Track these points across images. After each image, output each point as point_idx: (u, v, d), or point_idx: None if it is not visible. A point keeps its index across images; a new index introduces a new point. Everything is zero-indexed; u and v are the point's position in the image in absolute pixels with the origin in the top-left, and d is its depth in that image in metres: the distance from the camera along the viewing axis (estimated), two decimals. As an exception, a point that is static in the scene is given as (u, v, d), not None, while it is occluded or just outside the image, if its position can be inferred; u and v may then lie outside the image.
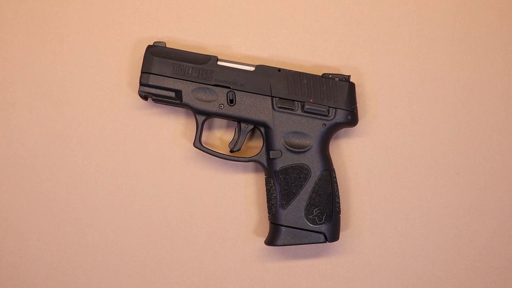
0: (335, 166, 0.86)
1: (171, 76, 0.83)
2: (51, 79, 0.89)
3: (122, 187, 0.88)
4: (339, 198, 0.84)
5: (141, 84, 0.83)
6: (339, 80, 0.85)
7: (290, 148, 0.84)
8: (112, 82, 0.89)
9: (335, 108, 0.84)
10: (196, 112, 0.84)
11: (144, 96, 0.85)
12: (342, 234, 0.87)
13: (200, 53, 0.86)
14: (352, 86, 0.86)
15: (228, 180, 0.89)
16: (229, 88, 0.84)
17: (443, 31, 0.92)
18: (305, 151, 0.84)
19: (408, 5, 0.92)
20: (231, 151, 0.86)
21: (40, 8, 0.90)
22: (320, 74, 0.86)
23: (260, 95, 0.84)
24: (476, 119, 0.90)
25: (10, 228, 0.87)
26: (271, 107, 0.84)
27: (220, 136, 0.89)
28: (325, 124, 0.84)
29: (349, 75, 0.86)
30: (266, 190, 0.85)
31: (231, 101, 0.84)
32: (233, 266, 0.88)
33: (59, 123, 0.88)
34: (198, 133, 0.85)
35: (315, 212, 0.83)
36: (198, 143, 0.85)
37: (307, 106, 0.84)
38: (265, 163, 0.85)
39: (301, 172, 0.83)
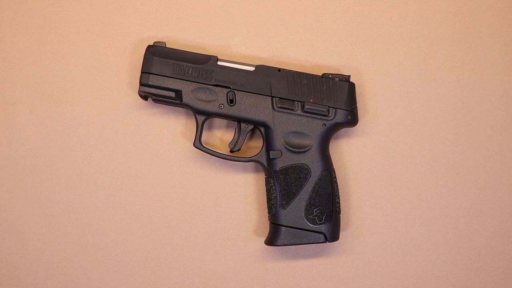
0: (335, 166, 0.86)
1: (171, 76, 0.83)
2: (51, 79, 0.89)
3: (122, 187, 0.88)
4: (339, 198, 0.84)
5: (141, 84, 0.83)
6: (339, 80, 0.85)
7: (290, 148, 0.84)
8: (112, 82, 0.89)
9: (335, 108, 0.84)
10: (196, 112, 0.84)
11: (144, 96, 0.84)
12: (342, 234, 0.87)
13: (200, 53, 0.86)
14: (352, 86, 0.86)
15: (228, 180, 0.89)
16: (229, 88, 0.84)
17: (443, 31, 0.92)
18: (305, 151, 0.84)
19: (408, 5, 0.92)
20: (231, 151, 0.86)
21: (40, 8, 0.90)
22: (320, 74, 0.86)
23: (260, 95, 0.84)
24: (476, 119, 0.90)
25: (10, 228, 0.87)
26: (271, 107, 0.84)
27: (220, 136, 0.89)
28: (325, 124, 0.84)
29: (349, 75, 0.86)
30: (266, 190, 0.85)
31: (231, 101, 0.84)
32: (233, 266, 0.88)
33: (59, 123, 0.88)
34: (198, 133, 0.85)
35: (315, 212, 0.83)
36: (198, 143, 0.85)
37: (307, 106, 0.84)
38: (265, 163, 0.85)
39: (301, 172, 0.83)
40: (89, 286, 0.87)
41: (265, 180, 0.85)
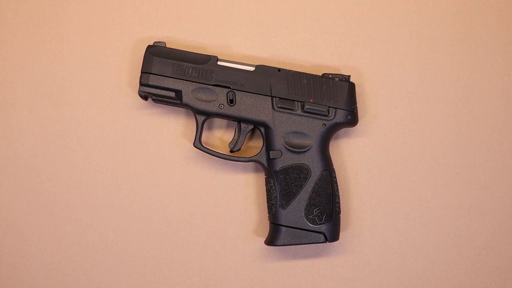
0: (335, 166, 0.86)
1: (171, 76, 0.83)
2: (51, 79, 0.89)
3: (122, 187, 0.88)
4: (339, 198, 0.84)
5: (141, 84, 0.83)
6: (339, 80, 0.85)
7: (290, 148, 0.84)
8: (112, 82, 0.89)
9: (335, 108, 0.84)
10: (196, 112, 0.84)
11: (144, 96, 0.84)
12: (342, 234, 0.87)
13: (200, 53, 0.86)
14: (352, 86, 0.86)
15: (228, 180, 0.89)
16: (229, 88, 0.84)
17: (443, 31, 0.92)
18: (305, 151, 0.84)
19: (408, 5, 0.92)
20: (231, 151, 0.86)
21: (40, 8, 0.90)
22: (320, 74, 0.86)
23: (260, 95, 0.84)
24: (476, 119, 0.90)
25: (10, 228, 0.87)
26: (271, 107, 0.84)
27: (220, 136, 0.89)
28: (325, 124, 0.84)
29: (349, 75, 0.86)
30: (266, 190, 0.85)
31: (231, 101, 0.84)
32: (233, 266, 0.88)
33: (59, 123, 0.88)
34: (198, 133, 0.85)
35: (315, 212, 0.83)
36: (198, 143, 0.85)
37: (307, 106, 0.84)
38: (265, 163, 0.85)
39: (301, 172, 0.83)
40: (89, 286, 0.87)
41: (265, 180, 0.85)
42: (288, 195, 0.83)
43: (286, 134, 0.84)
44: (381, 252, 0.88)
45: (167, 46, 0.86)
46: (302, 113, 0.84)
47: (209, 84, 0.84)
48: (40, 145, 0.88)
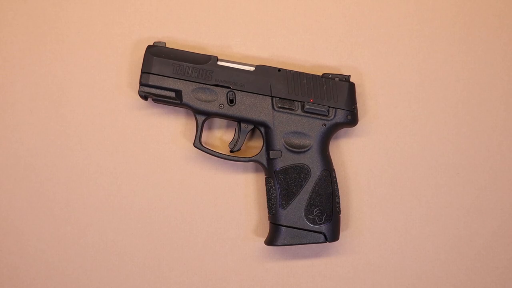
0: (335, 166, 0.86)
1: (171, 76, 0.83)
2: (51, 79, 0.89)
3: (122, 187, 0.88)
4: (339, 198, 0.84)
5: (141, 84, 0.83)
6: (339, 80, 0.85)
7: (290, 148, 0.83)
8: (112, 82, 0.89)
9: (335, 108, 0.84)
10: (196, 112, 0.84)
11: (144, 96, 0.84)
12: (342, 234, 0.87)
13: (200, 53, 0.85)
14: (352, 86, 0.86)
15: (228, 180, 0.89)
16: (229, 88, 0.84)
17: (443, 31, 0.92)
18: (305, 151, 0.84)
19: (408, 5, 0.92)
20: (231, 151, 0.86)
21: (40, 8, 0.90)
22: (320, 74, 0.86)
23: (260, 95, 0.84)
24: (476, 119, 0.90)
25: (10, 228, 0.87)
26: (271, 107, 0.84)
27: (220, 136, 0.89)
28: (325, 124, 0.84)
29: (349, 75, 0.86)
30: (266, 190, 0.84)
31: (231, 101, 0.84)
32: (233, 266, 0.88)
33: (59, 123, 0.88)
34: (198, 133, 0.84)
35: (315, 212, 0.83)
36: (198, 143, 0.85)
37: (307, 106, 0.84)
38: (265, 163, 0.85)
39: (301, 172, 0.83)
40: (89, 286, 0.87)
41: (265, 180, 0.85)
42: (288, 195, 0.83)
43: (286, 134, 0.84)
44: (381, 252, 0.88)
45: (167, 46, 0.86)
46: (302, 113, 0.84)
47: (209, 84, 0.84)
48: (40, 145, 0.88)
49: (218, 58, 0.85)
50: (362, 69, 0.90)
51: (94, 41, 0.90)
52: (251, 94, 0.84)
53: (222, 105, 0.84)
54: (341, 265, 0.88)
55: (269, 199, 0.84)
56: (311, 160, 0.83)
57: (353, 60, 0.91)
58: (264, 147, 0.85)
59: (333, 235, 0.83)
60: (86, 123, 0.89)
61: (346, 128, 0.88)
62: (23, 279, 0.87)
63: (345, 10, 0.91)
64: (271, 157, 0.84)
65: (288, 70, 0.85)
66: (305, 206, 0.83)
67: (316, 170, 0.83)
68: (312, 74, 0.85)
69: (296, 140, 0.84)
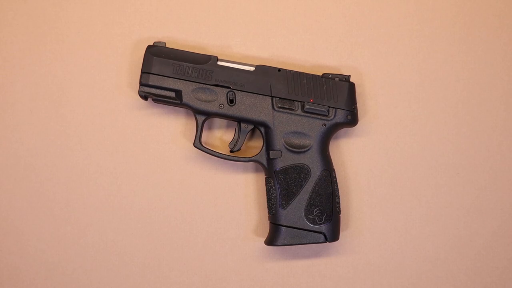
0: (335, 166, 0.86)
1: (171, 76, 0.83)
2: (51, 79, 0.89)
3: (122, 187, 0.88)
4: (339, 198, 0.84)
5: (141, 84, 0.83)
6: (339, 80, 0.85)
7: (290, 148, 0.83)
8: (112, 82, 0.89)
9: (335, 108, 0.84)
10: (196, 112, 0.84)
11: (144, 96, 0.84)
12: (342, 234, 0.87)
13: (200, 53, 0.85)
14: (352, 86, 0.85)
15: (228, 180, 0.89)
16: (229, 88, 0.84)
17: (443, 31, 0.92)
18: (305, 151, 0.83)
19: (408, 5, 0.92)
20: (231, 151, 0.86)
21: (40, 8, 0.90)
22: (320, 74, 0.85)
23: (260, 95, 0.84)
24: (476, 119, 0.90)
25: (10, 228, 0.87)
26: (271, 107, 0.84)
27: (220, 136, 0.89)
28: (325, 124, 0.84)
29: (349, 75, 0.86)
30: (266, 190, 0.84)
31: (231, 101, 0.84)
32: (233, 266, 0.88)
33: (59, 123, 0.88)
34: (198, 133, 0.84)
35: (315, 212, 0.83)
36: (198, 143, 0.85)
37: (307, 106, 0.84)
38: (265, 163, 0.84)
39: (301, 172, 0.83)
40: (89, 286, 0.87)
41: (265, 180, 0.85)
42: (288, 195, 0.83)
43: (286, 134, 0.84)
44: (381, 252, 0.88)
45: (167, 46, 0.86)
46: (302, 113, 0.84)
47: (209, 84, 0.84)
48: (40, 145, 0.88)
49: (218, 58, 0.84)
50: (362, 69, 0.90)
51: (94, 41, 0.90)
52: (251, 94, 0.84)
53: (222, 105, 0.83)
54: (341, 265, 0.88)
55: (269, 199, 0.84)
56: (311, 160, 0.83)
57: (353, 60, 0.91)
58: (264, 147, 0.85)
59: (333, 235, 0.83)
60: (86, 123, 0.89)
61: (346, 128, 0.88)
62: (23, 279, 0.87)
63: (345, 10, 0.91)
64: (271, 157, 0.84)
65: (288, 70, 0.85)
66: (305, 206, 0.83)
67: (316, 170, 0.83)
68: (312, 74, 0.85)
69: (296, 140, 0.84)
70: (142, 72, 0.83)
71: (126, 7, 0.90)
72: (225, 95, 0.84)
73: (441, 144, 0.90)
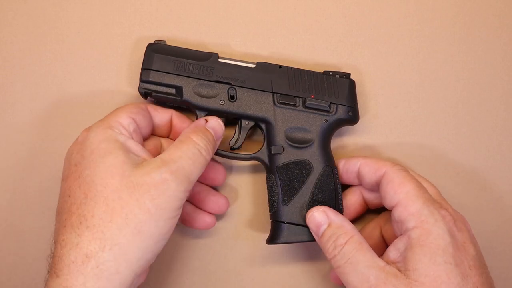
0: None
1: (172, 72, 0.83)
2: (51, 79, 0.89)
3: (122, 187, 0.88)
4: (341, 195, 0.83)
5: (141, 80, 0.83)
6: (340, 77, 0.85)
7: (291, 144, 0.83)
8: (112, 82, 0.89)
9: (337, 104, 0.84)
10: (197, 108, 0.84)
11: (144, 93, 0.84)
12: (342, 234, 0.87)
13: (201, 50, 0.85)
14: (352, 83, 0.86)
15: (228, 180, 0.89)
16: (230, 84, 0.84)
17: (443, 31, 0.92)
18: (306, 147, 0.83)
19: (408, 5, 0.92)
20: (231, 149, 0.85)
21: (40, 8, 0.90)
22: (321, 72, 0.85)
23: (261, 91, 0.84)
24: (476, 119, 0.90)
25: (10, 228, 0.87)
26: (272, 103, 0.84)
27: (221, 134, 0.89)
28: (326, 120, 0.84)
29: (349, 73, 0.86)
30: (268, 188, 0.84)
31: (232, 97, 0.83)
32: (233, 266, 0.88)
33: (59, 123, 0.88)
34: None
35: None
36: None
37: (309, 102, 0.84)
38: (266, 160, 0.84)
39: (303, 168, 0.83)
40: (89, 286, 0.87)
41: (266, 178, 0.84)
42: (290, 191, 0.83)
43: (287, 129, 0.83)
44: (382, 252, 0.88)
45: (167, 44, 0.86)
46: (304, 109, 0.84)
47: (210, 81, 0.83)
48: (40, 145, 0.88)
49: (219, 55, 0.85)
50: (362, 69, 0.90)
51: (94, 41, 0.90)
52: (252, 90, 0.84)
53: (223, 101, 0.83)
54: (341, 265, 0.88)
55: (270, 196, 0.84)
56: (313, 156, 0.83)
57: (353, 60, 0.91)
58: (265, 144, 0.84)
59: None
60: (86, 123, 0.88)
61: (346, 127, 0.88)
62: (23, 279, 0.87)
63: (345, 10, 0.91)
64: (272, 152, 0.83)
65: (289, 67, 0.85)
66: (307, 202, 0.82)
67: (318, 166, 0.83)
68: (313, 71, 0.85)
69: (298, 135, 0.83)
70: (143, 69, 0.83)
71: (126, 7, 0.90)
72: (226, 91, 0.83)
73: (441, 144, 0.90)
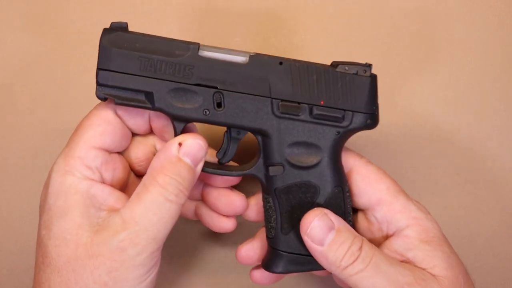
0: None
1: (138, 74, 0.65)
2: (51, 79, 0.89)
3: (122, 187, 0.88)
4: (351, 216, 0.70)
5: (98, 84, 0.65)
6: (358, 72, 0.68)
7: (294, 163, 0.68)
8: (112, 82, 0.89)
9: (353, 111, 0.68)
10: (174, 118, 0.67)
11: (104, 98, 0.67)
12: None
13: (176, 39, 0.67)
14: (374, 80, 0.69)
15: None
16: (216, 88, 0.66)
17: (443, 31, 0.92)
18: (313, 166, 0.68)
19: (408, 5, 0.92)
20: (219, 163, 0.71)
21: (40, 8, 0.90)
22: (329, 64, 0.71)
23: (256, 97, 0.67)
24: (476, 119, 0.90)
25: (10, 228, 0.87)
26: (270, 112, 0.67)
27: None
28: (338, 132, 0.68)
29: (371, 64, 0.70)
30: (264, 209, 0.70)
31: (219, 105, 0.66)
32: (233, 266, 0.88)
33: (59, 123, 0.88)
34: None
35: None
36: None
37: (317, 112, 0.67)
38: (262, 179, 0.69)
39: (307, 191, 0.68)
40: (89, 286, 0.87)
41: (263, 197, 0.71)
42: (291, 219, 0.68)
43: (289, 145, 0.68)
44: (381, 252, 0.88)
45: (130, 30, 0.67)
46: (311, 119, 0.68)
47: (189, 84, 0.66)
48: (40, 145, 0.88)
49: (200, 45, 0.66)
50: (362, 69, 0.90)
51: (94, 41, 0.89)
52: (244, 95, 0.67)
53: (207, 111, 0.66)
54: (341, 265, 0.88)
55: (267, 221, 0.70)
56: (321, 177, 0.68)
57: (353, 60, 0.91)
58: (261, 160, 0.69)
59: None
60: (86, 123, 0.88)
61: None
62: (23, 279, 0.87)
63: (345, 10, 0.91)
64: (270, 174, 0.68)
65: (293, 61, 0.67)
66: None
67: (326, 188, 0.68)
68: (324, 68, 0.69)
69: (302, 153, 0.68)
70: (98, 69, 0.65)
71: (126, 7, 0.90)
72: (211, 97, 0.66)
73: (441, 144, 0.90)
